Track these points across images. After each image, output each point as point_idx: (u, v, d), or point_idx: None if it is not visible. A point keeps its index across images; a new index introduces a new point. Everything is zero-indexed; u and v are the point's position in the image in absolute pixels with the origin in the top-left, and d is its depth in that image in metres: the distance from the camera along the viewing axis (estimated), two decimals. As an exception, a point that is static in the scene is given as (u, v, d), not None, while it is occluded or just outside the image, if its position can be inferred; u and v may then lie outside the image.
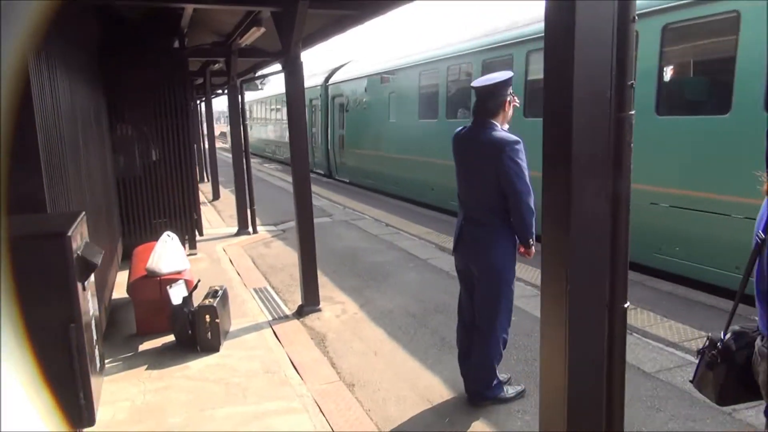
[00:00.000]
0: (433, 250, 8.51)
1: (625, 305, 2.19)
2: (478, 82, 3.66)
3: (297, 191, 5.86)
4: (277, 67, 9.83)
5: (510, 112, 3.69)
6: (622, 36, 1.95)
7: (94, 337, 2.97)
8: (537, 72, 8.18)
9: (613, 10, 1.92)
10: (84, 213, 2.98)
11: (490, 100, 3.61)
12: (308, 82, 18.47)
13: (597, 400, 2.15)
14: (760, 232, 2.03)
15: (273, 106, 25.40)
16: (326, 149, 18.42)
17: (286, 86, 5.69)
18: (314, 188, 15.42)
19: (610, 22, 1.91)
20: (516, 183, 3.46)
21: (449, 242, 8.85)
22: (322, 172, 19.14)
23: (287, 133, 5.74)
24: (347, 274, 7.40)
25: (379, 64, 14.31)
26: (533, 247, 3.62)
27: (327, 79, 18.12)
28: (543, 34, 2.05)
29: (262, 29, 6.79)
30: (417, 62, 12.04)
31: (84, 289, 2.50)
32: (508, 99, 3.63)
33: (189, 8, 6.97)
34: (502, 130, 3.61)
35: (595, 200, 2.01)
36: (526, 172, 3.50)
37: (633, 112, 2.05)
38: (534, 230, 3.55)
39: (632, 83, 2.04)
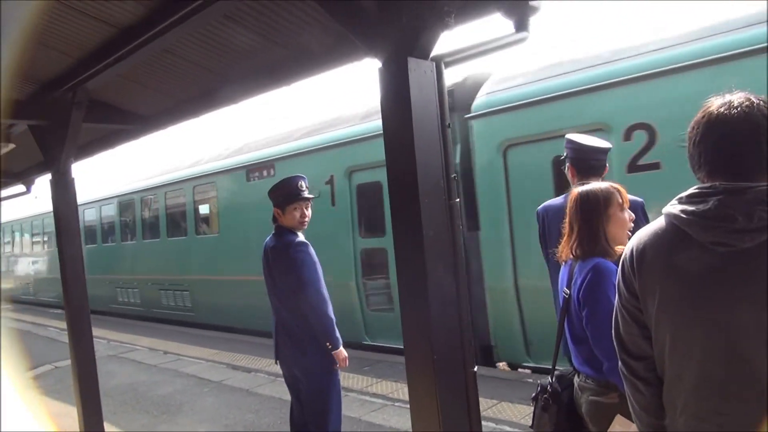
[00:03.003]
0: (226, 370, 8.11)
1: (474, 369, 2.53)
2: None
3: (73, 325, 5.21)
4: (21, 188, 8.79)
5: (296, 219, 3.81)
6: (443, 139, 2.43)
7: None
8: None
9: (437, 119, 2.39)
10: None
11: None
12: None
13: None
14: (565, 289, 2.59)
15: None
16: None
17: (54, 206, 5.16)
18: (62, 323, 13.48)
19: (436, 127, 2.38)
20: (300, 284, 3.58)
21: (241, 359, 8.56)
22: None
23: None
24: (133, 412, 6.58)
25: None
26: (342, 351, 3.64)
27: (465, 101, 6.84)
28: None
29: (11, 145, 6.12)
30: None
31: None
32: (296, 211, 3.81)
33: None
34: (294, 234, 3.81)
35: (443, 276, 2.35)
36: (313, 273, 3.60)
37: (459, 200, 2.51)
38: (335, 334, 3.57)
39: (455, 176, 2.52)
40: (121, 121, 5.39)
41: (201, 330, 11.28)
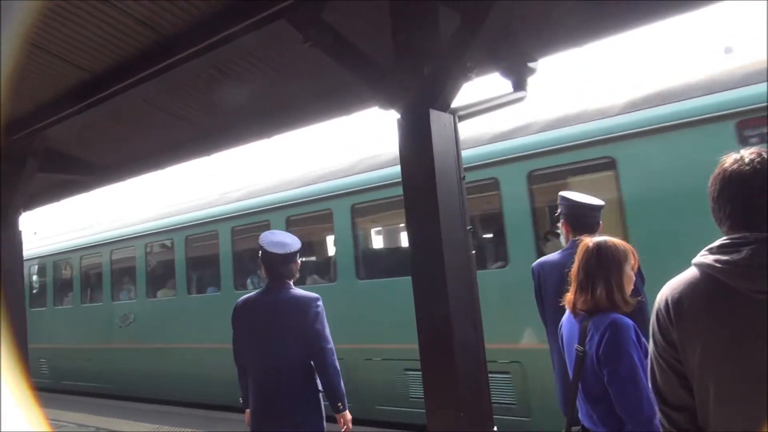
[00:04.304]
0: (171, 446, 7.66)
1: (495, 429, 2.55)
2: (273, 247, 3.77)
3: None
4: None
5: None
6: (460, 191, 2.54)
7: None
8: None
9: (456, 171, 2.50)
10: None
11: (289, 264, 3.77)
12: None
13: None
14: (578, 345, 2.65)
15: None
16: None
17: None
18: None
19: (455, 179, 2.49)
20: (322, 340, 3.59)
21: (188, 434, 8.12)
22: None
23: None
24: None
25: None
26: (347, 413, 3.52)
27: None
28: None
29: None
30: None
31: None
32: (299, 262, 3.84)
33: None
34: (296, 288, 3.78)
35: (467, 328, 2.40)
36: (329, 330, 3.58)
37: (474, 252, 2.60)
38: (344, 394, 3.51)
39: (470, 228, 2.61)
40: (76, 172, 5.25)
41: (128, 402, 10.64)
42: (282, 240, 3.78)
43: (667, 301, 1.84)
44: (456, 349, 2.31)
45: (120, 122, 4.52)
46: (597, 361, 2.53)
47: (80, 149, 5.11)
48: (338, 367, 3.55)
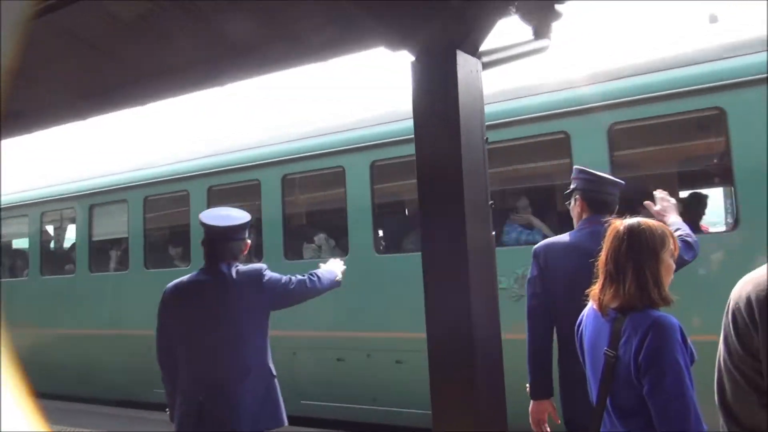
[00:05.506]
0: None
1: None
2: (215, 219, 3.34)
3: None
4: None
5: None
6: (485, 158, 2.16)
7: None
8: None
9: (481, 130, 2.12)
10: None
11: (231, 242, 3.37)
12: None
13: None
14: (608, 349, 2.34)
15: None
16: None
17: None
18: None
19: (481, 139, 2.11)
20: (288, 287, 3.30)
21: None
22: None
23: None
24: None
25: None
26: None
27: None
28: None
29: None
30: None
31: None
32: (249, 242, 3.47)
33: None
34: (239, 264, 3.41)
35: (486, 325, 2.05)
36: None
37: (493, 234, 2.25)
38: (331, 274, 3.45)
39: (492, 203, 2.25)
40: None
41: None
42: (227, 213, 3.42)
43: (749, 300, 1.55)
44: (476, 350, 1.95)
45: (36, 60, 3.87)
46: (635, 369, 2.25)
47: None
48: (322, 276, 3.41)
